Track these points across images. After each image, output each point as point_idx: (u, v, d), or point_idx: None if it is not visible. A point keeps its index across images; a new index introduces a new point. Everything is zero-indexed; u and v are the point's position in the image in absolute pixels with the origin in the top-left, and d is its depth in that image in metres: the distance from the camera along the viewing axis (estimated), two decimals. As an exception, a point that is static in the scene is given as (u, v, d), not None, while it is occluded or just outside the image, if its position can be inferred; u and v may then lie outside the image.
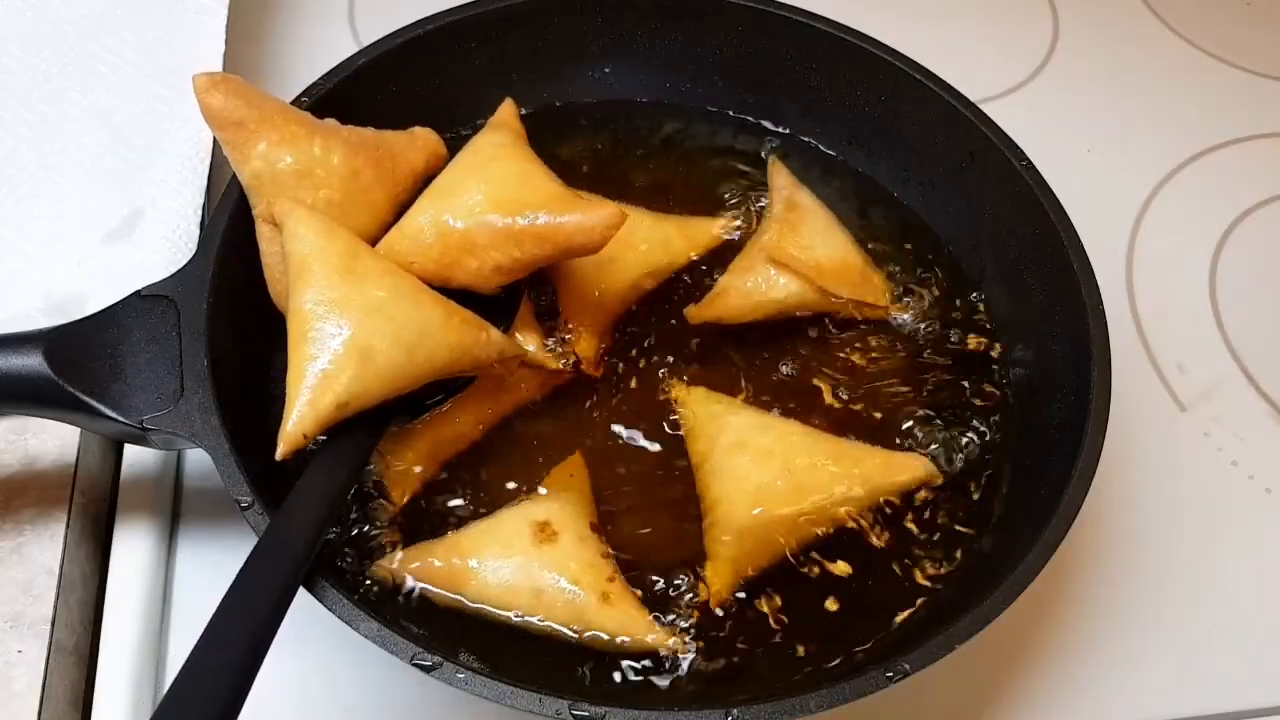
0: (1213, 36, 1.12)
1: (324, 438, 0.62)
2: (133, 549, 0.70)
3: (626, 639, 0.64)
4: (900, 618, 0.67)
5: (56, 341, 0.62)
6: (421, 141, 0.70)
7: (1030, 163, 0.78)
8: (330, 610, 0.57)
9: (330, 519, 0.60)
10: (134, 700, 0.66)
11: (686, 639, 0.65)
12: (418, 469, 0.69)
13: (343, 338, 0.60)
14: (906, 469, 0.70)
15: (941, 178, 0.83)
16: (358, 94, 0.77)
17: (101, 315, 0.65)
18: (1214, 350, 0.91)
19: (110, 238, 0.76)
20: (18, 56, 0.81)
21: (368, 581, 0.65)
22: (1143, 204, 0.99)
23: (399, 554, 0.66)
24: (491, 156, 0.68)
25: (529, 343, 0.74)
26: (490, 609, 0.64)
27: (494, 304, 0.69)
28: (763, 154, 0.87)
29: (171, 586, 0.72)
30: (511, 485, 0.70)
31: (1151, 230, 0.97)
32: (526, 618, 0.64)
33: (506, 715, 0.57)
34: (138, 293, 0.66)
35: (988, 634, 0.59)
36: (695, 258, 0.80)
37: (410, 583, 0.65)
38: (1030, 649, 0.75)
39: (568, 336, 0.75)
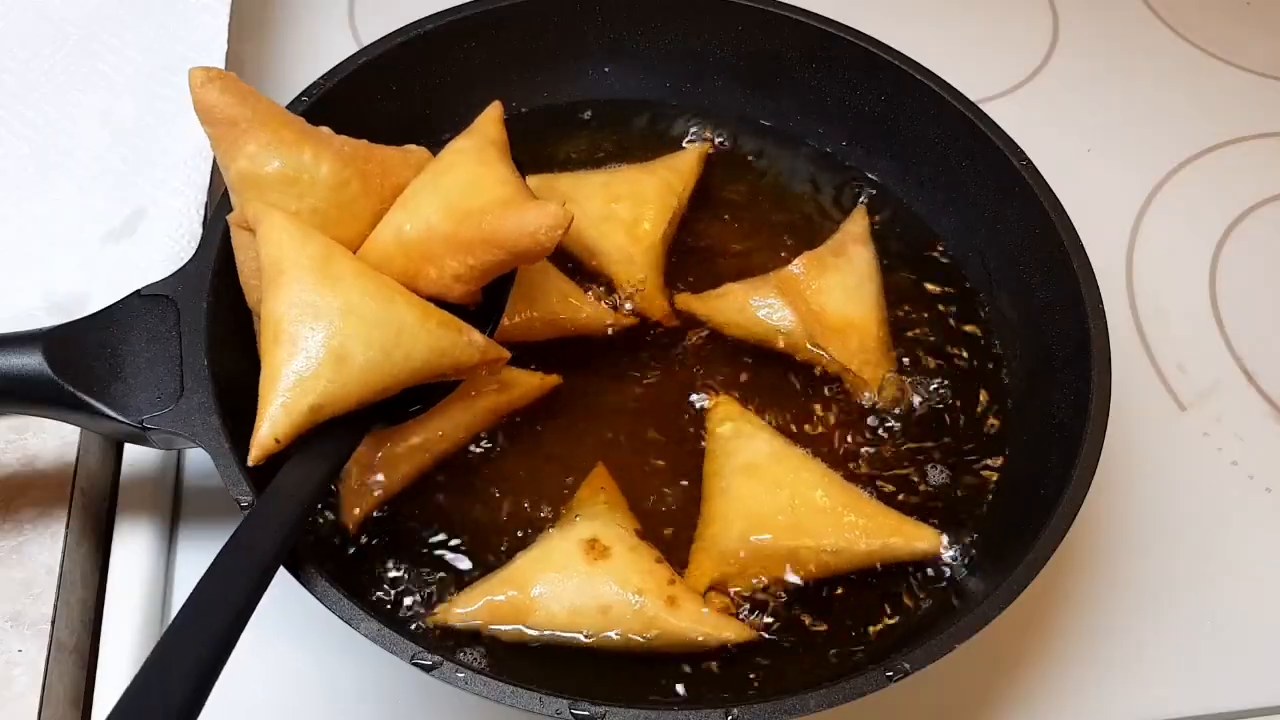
0: (1213, 36, 1.12)
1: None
2: (133, 549, 0.70)
3: (702, 638, 0.63)
4: (900, 617, 0.67)
5: (56, 341, 0.62)
6: (415, 159, 0.69)
7: (1030, 163, 0.78)
8: (330, 610, 0.57)
9: (303, 520, 0.58)
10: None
11: (760, 630, 0.65)
12: (376, 492, 0.68)
13: (316, 340, 0.59)
14: (915, 538, 0.68)
15: (941, 178, 0.84)
16: (358, 94, 0.77)
17: (101, 315, 0.65)
18: (1214, 350, 0.91)
19: (112, 237, 0.76)
20: (19, 56, 0.82)
21: (432, 629, 0.65)
22: (1143, 204, 0.99)
23: (456, 599, 0.65)
24: (450, 165, 0.68)
25: (582, 307, 0.75)
26: (558, 633, 0.63)
27: (477, 313, 0.68)
28: (860, 199, 0.85)
29: (171, 586, 0.72)
30: (539, 506, 0.70)
31: (1151, 230, 0.97)
32: (598, 635, 0.63)
33: (506, 715, 0.57)
34: (138, 292, 0.66)
35: (988, 634, 0.59)
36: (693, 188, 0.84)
37: (474, 624, 0.64)
38: (1030, 649, 0.75)
39: (620, 296, 0.78)
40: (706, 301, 0.78)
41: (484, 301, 0.68)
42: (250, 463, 0.58)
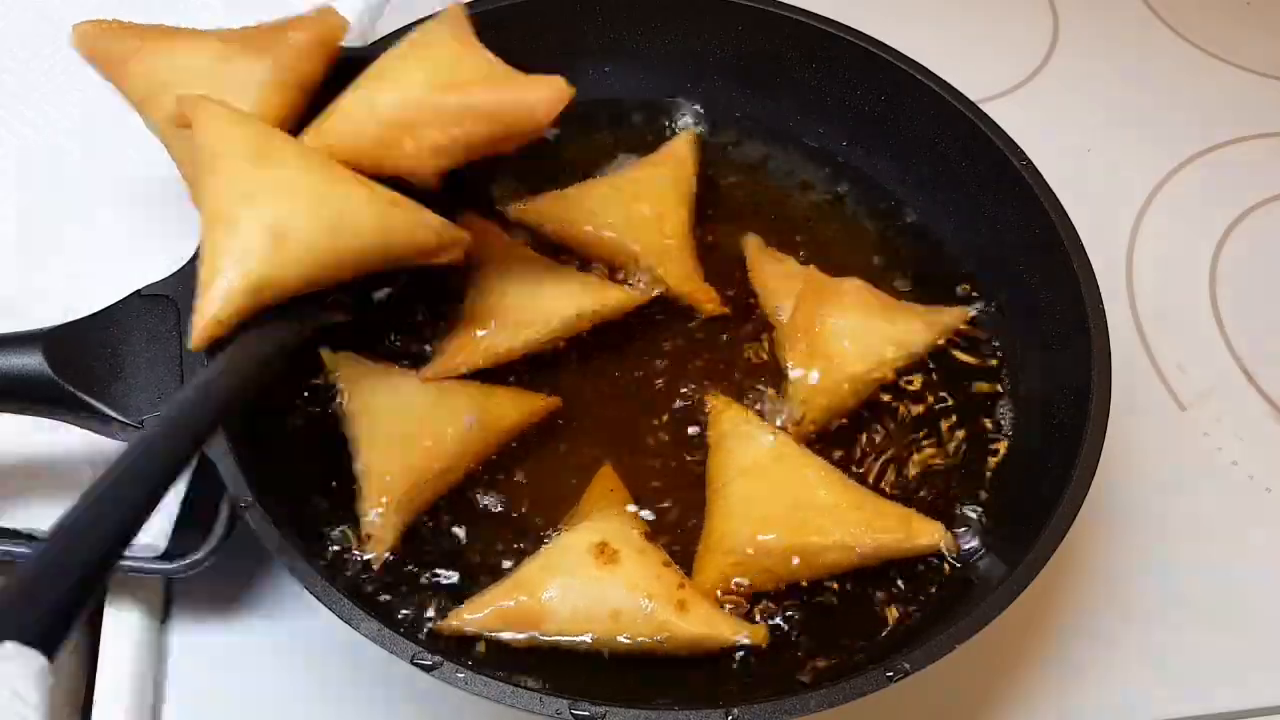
0: (1213, 36, 1.12)
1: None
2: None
3: (712, 640, 0.63)
4: (900, 617, 0.67)
5: (56, 341, 0.62)
6: (324, 16, 0.67)
7: (1030, 163, 0.78)
8: (330, 610, 0.57)
9: (238, 398, 0.56)
10: (134, 700, 0.66)
11: (771, 631, 0.65)
12: (395, 521, 0.67)
13: (254, 219, 0.57)
14: (919, 533, 0.67)
15: (942, 178, 0.84)
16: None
17: (101, 314, 0.65)
18: (1214, 350, 0.91)
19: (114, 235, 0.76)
20: (19, 56, 0.82)
21: (441, 635, 0.64)
22: (1143, 204, 0.99)
23: (466, 606, 0.64)
24: (431, 41, 0.66)
25: (604, 290, 0.74)
26: (568, 638, 0.63)
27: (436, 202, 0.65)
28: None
29: (171, 586, 0.72)
30: (547, 508, 0.70)
31: (1151, 230, 0.98)
32: (607, 639, 0.63)
33: (506, 715, 0.57)
34: (138, 292, 0.66)
35: (988, 634, 0.59)
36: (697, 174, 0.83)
37: (484, 630, 0.63)
38: (1030, 649, 0.75)
39: (640, 275, 0.77)
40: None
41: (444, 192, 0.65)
42: (191, 348, 0.57)
